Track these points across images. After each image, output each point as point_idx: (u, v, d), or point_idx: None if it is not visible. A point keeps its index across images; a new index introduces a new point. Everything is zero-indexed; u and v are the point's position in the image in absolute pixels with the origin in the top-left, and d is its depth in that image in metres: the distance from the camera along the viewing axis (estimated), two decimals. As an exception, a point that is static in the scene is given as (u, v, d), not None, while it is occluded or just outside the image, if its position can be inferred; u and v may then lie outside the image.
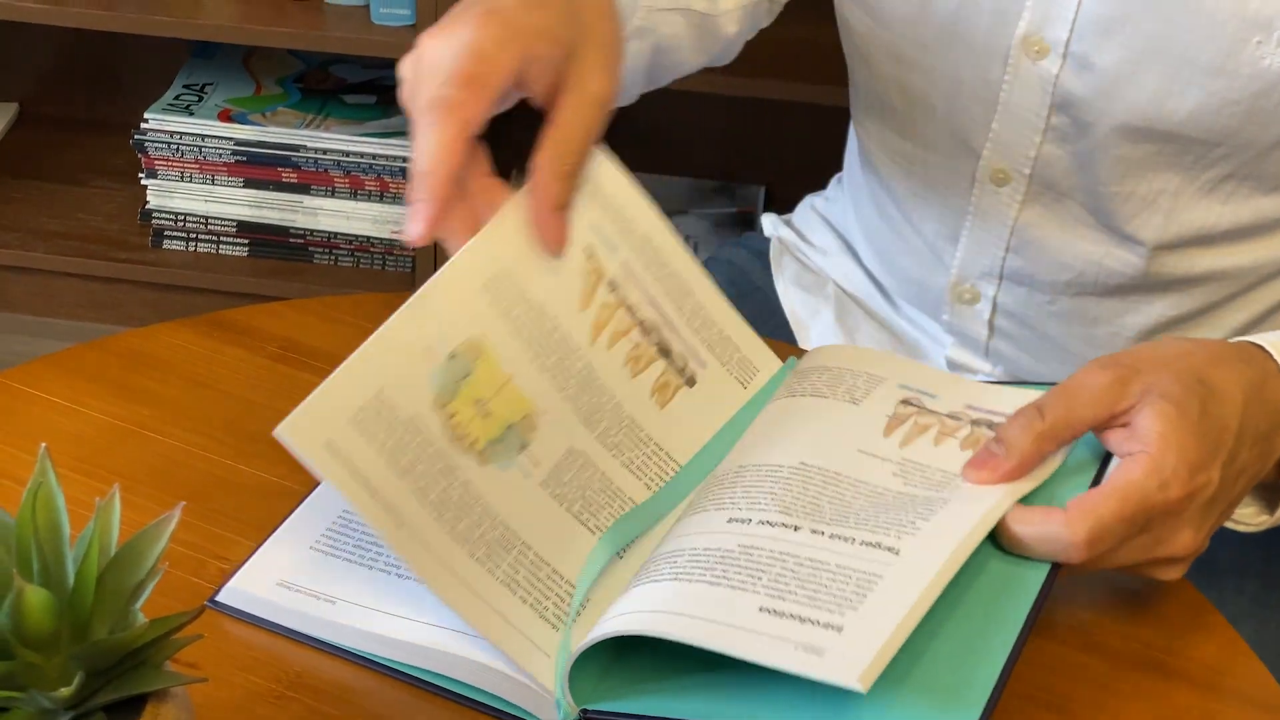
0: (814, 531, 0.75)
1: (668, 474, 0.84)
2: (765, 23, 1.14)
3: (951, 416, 0.84)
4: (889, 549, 0.74)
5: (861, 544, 0.74)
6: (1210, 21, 0.92)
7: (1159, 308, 1.05)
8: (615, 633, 0.71)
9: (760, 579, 0.72)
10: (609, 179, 0.85)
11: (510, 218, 0.82)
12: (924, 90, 1.04)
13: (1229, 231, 1.01)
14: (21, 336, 2.17)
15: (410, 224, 0.77)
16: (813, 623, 0.70)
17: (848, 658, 0.68)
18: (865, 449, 0.81)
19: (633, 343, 0.85)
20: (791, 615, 0.70)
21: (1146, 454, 0.77)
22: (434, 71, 0.78)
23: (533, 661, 0.73)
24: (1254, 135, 0.96)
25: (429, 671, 0.75)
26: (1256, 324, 1.06)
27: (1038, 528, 0.77)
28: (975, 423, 0.84)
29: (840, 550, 0.74)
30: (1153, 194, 1.00)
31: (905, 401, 0.85)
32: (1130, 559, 0.79)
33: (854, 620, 0.70)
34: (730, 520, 0.76)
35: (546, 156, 0.79)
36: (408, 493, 0.74)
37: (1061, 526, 0.76)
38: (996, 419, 0.84)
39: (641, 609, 0.72)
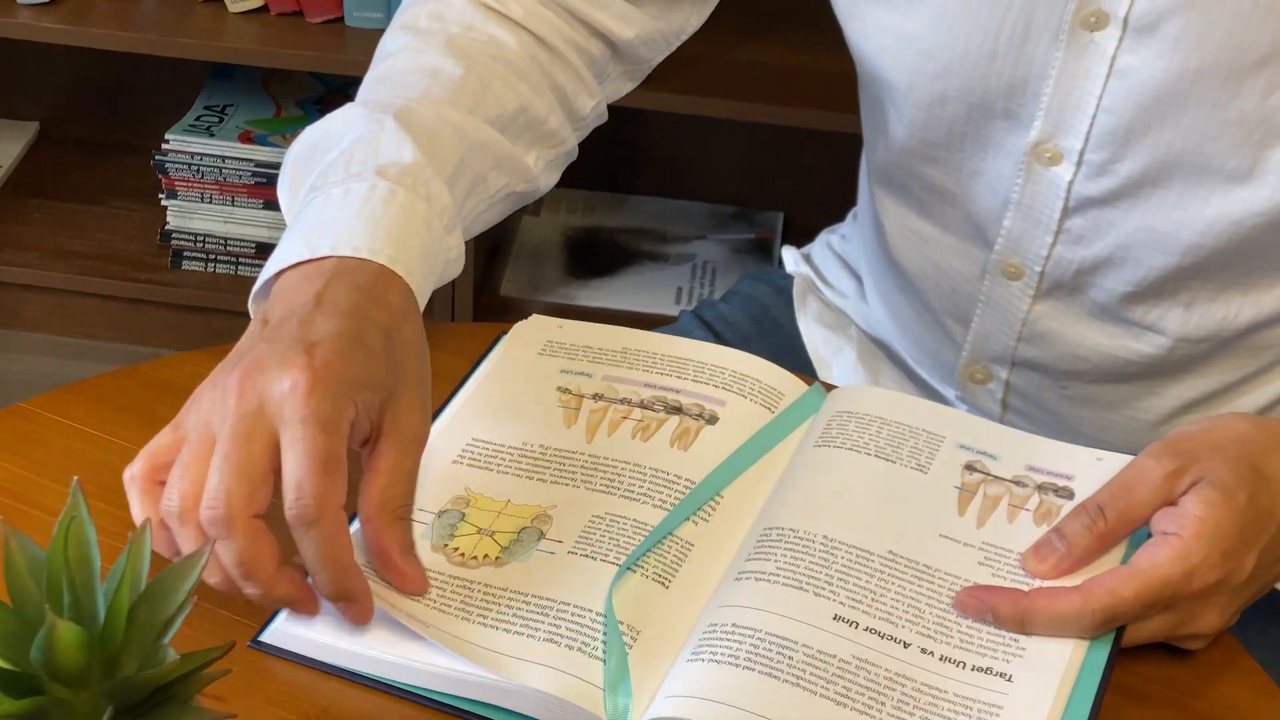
0: (924, 651, 0.76)
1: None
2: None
3: (1017, 482, 0.86)
4: (1000, 674, 0.76)
5: (973, 669, 0.76)
6: (1236, 132, 0.91)
7: (1176, 392, 1.04)
8: None
9: (884, 705, 0.73)
10: (570, 334, 0.95)
11: (467, 395, 0.90)
12: (941, 178, 1.03)
13: (1252, 323, 1.00)
14: (40, 356, 2.18)
15: (355, 617, 0.76)
16: None
17: None
18: (946, 533, 0.83)
19: (634, 420, 0.89)
20: None
21: (1179, 538, 0.79)
22: (256, 435, 0.74)
23: (587, 696, 0.73)
24: (1275, 240, 0.95)
25: (480, 703, 0.75)
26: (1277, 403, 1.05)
27: (1053, 602, 0.78)
28: (1041, 488, 0.85)
29: (954, 676, 0.76)
30: (1171, 291, 0.99)
31: (969, 467, 0.86)
32: (1151, 634, 0.80)
33: None
34: (836, 619, 0.77)
35: (377, 507, 0.77)
36: (424, 608, 0.78)
37: (1078, 603, 0.78)
38: (1061, 482, 0.85)
39: (762, 711, 0.72)
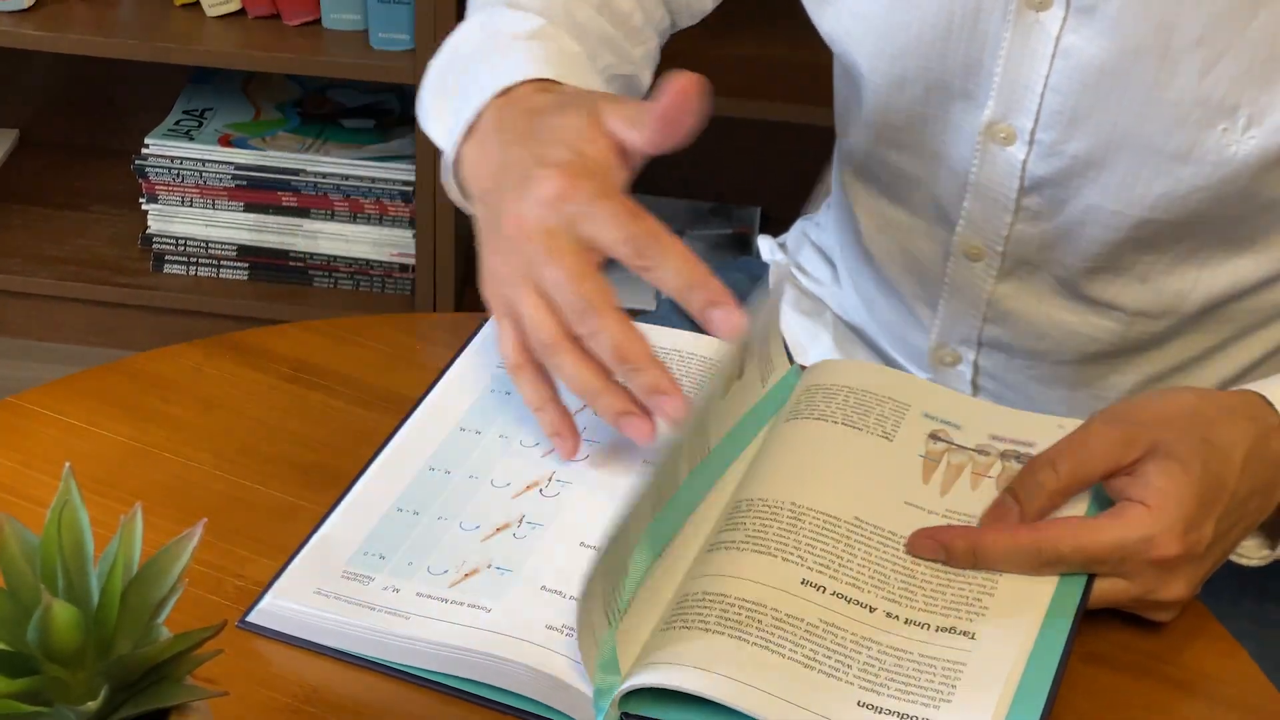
0: (889, 615, 0.78)
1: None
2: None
3: (980, 451, 0.88)
4: (964, 633, 0.78)
5: (937, 630, 0.78)
6: (1175, 111, 0.93)
7: (1138, 367, 1.06)
8: (703, 693, 0.73)
9: (850, 667, 0.75)
10: None
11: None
12: (906, 163, 1.05)
13: (1207, 297, 1.02)
14: (23, 361, 2.18)
15: (668, 410, 0.80)
16: (910, 718, 0.73)
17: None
18: (911, 500, 0.84)
19: None
20: (889, 710, 0.74)
21: (1144, 507, 0.80)
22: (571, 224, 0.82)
23: (572, 672, 0.75)
24: (1222, 212, 0.96)
25: (466, 680, 0.77)
26: (1241, 378, 1.06)
27: (1001, 537, 0.81)
28: (1004, 455, 0.87)
29: (919, 638, 0.77)
30: (1127, 266, 1.01)
31: (934, 436, 0.88)
32: (1117, 602, 0.82)
33: (948, 713, 0.74)
34: (804, 583, 0.79)
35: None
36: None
37: (1027, 540, 0.80)
38: (1024, 449, 0.87)
39: (730, 674, 0.74)
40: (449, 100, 0.97)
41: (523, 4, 1.01)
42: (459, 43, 1.02)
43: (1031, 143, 0.98)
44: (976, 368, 1.10)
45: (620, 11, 1.06)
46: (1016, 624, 0.78)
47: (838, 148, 1.15)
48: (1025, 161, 0.99)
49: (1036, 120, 0.97)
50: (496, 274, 0.84)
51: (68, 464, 0.66)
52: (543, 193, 0.82)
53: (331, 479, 0.87)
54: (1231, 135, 0.92)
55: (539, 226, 0.81)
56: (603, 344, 0.80)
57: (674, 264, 0.80)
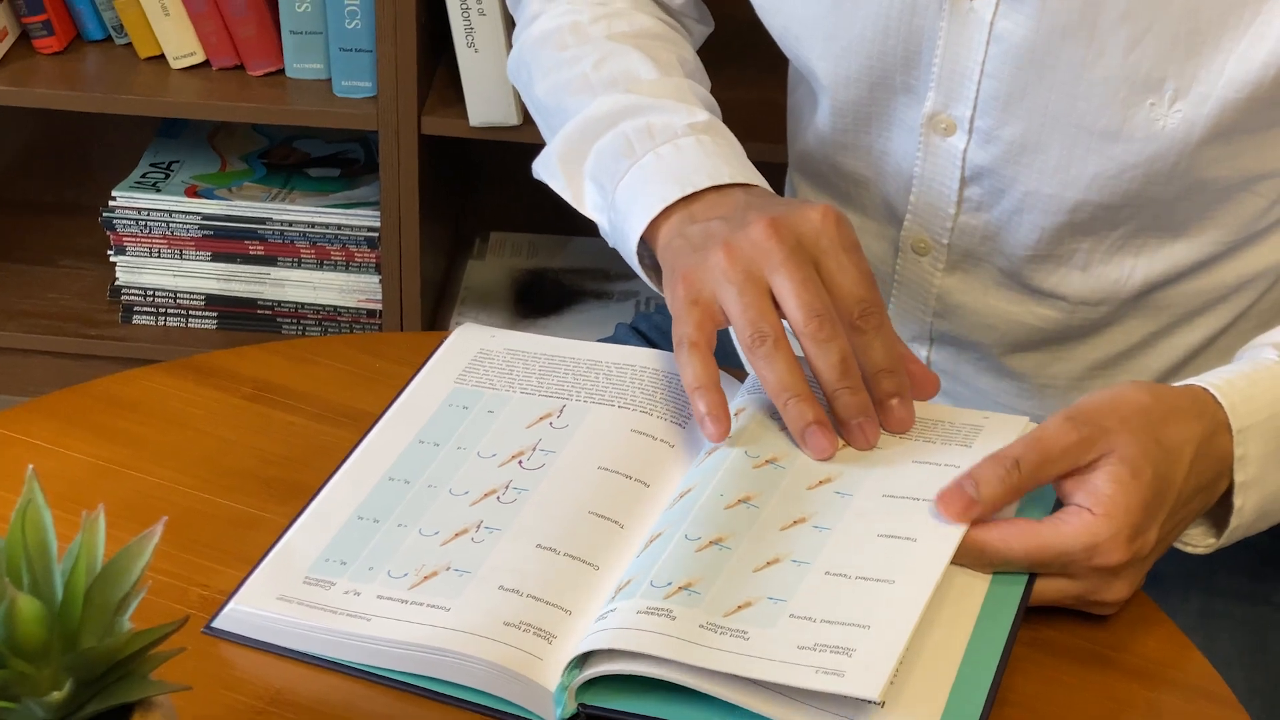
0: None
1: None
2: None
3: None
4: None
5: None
6: (1103, 89, 0.95)
7: (1084, 354, 1.09)
8: (654, 673, 0.75)
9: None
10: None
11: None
12: (854, 163, 1.09)
13: (1145, 283, 1.04)
14: (-6, 415, 2.19)
15: (906, 417, 0.88)
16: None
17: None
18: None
19: None
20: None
21: (1090, 514, 0.82)
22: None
23: (531, 666, 0.77)
24: (1155, 194, 0.99)
25: (429, 678, 0.78)
26: (1185, 363, 1.09)
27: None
28: None
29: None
30: (1067, 254, 1.04)
31: None
32: (1059, 600, 0.83)
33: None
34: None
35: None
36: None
37: (974, 542, 0.82)
38: None
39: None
40: (582, 170, 1.03)
41: (665, 89, 1.04)
42: (599, 115, 1.04)
43: (971, 131, 1.01)
44: (929, 364, 1.12)
45: (694, 65, 1.12)
46: (952, 618, 0.79)
47: (790, 156, 1.18)
48: (965, 151, 1.02)
49: (975, 107, 1.00)
50: (714, 265, 0.88)
51: (30, 466, 0.68)
52: (812, 215, 0.89)
53: (293, 491, 0.89)
54: (1159, 110, 0.95)
55: (791, 237, 0.88)
56: (831, 354, 0.86)
57: (885, 345, 0.88)
